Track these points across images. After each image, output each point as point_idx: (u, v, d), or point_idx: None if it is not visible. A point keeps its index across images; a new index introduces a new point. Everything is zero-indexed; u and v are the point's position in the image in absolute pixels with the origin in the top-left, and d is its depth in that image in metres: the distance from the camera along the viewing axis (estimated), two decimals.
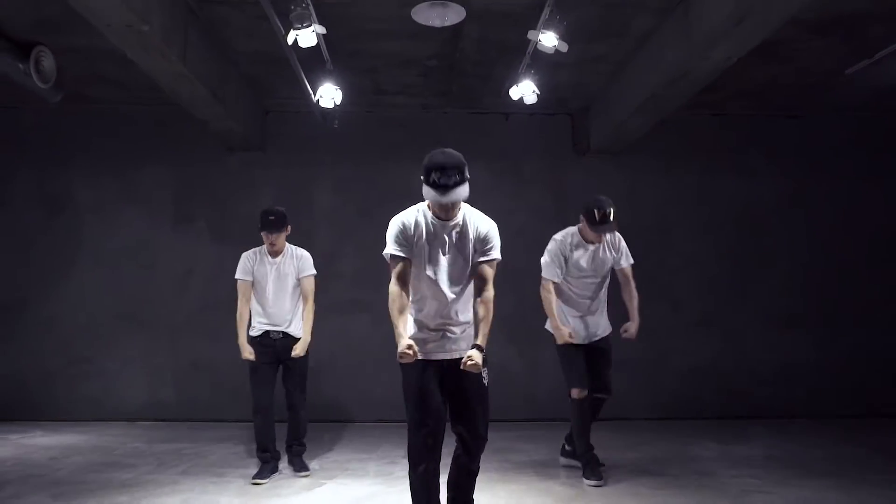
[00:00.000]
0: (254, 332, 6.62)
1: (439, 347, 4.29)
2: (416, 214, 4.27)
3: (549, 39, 6.39)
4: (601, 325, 6.55)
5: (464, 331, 4.32)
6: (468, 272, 4.30)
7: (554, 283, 6.34)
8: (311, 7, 5.97)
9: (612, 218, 6.11)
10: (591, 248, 6.36)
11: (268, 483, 6.19)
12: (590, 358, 6.43)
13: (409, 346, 4.00)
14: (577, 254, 6.35)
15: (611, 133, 9.21)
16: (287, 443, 6.68)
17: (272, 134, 10.06)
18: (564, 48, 6.46)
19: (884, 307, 9.99)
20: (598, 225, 6.12)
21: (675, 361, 9.76)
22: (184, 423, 9.07)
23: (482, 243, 4.26)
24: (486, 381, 4.23)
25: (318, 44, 6.43)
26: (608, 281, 6.56)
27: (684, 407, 9.63)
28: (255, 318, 6.66)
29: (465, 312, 4.33)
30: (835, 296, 10.01)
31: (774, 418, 9.38)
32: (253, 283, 6.62)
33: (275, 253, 6.64)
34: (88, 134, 9.90)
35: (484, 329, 4.15)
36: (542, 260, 6.43)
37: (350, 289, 9.70)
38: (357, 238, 9.70)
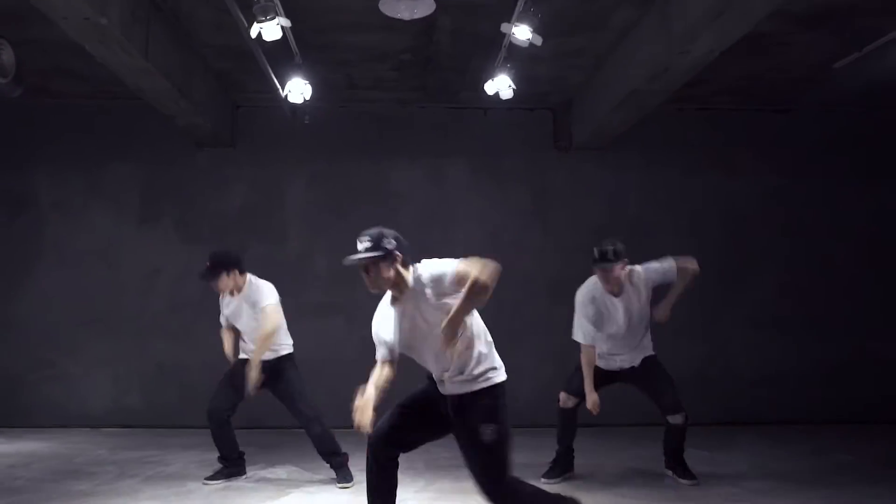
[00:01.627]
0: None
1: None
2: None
3: (522, 32, 6.36)
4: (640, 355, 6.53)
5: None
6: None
7: (590, 345, 6.27)
8: None
9: (610, 256, 6.06)
10: (619, 300, 6.24)
11: (219, 484, 6.36)
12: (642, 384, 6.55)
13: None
14: (609, 306, 6.27)
15: (593, 129, 9.21)
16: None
17: (243, 129, 10.01)
18: (538, 41, 6.44)
19: (874, 310, 10.01)
20: (598, 262, 6.10)
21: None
22: (150, 430, 9.03)
23: (440, 287, 4.06)
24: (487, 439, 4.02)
25: (284, 37, 6.42)
26: (648, 322, 6.45)
27: None
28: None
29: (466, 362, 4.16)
30: (823, 298, 10.01)
31: (761, 424, 9.39)
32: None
33: (230, 292, 6.60)
34: (51, 130, 9.82)
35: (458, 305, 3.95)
36: (575, 318, 6.38)
37: (324, 290, 9.68)
38: (331, 237, 9.58)
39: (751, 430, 9.08)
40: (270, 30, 6.00)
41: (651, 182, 10.11)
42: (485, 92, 7.99)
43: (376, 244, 4.08)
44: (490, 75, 7.81)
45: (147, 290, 9.68)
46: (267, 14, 5.91)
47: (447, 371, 4.12)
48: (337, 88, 9.29)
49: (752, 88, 9.50)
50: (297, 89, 7.54)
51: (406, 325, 4.16)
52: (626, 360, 6.46)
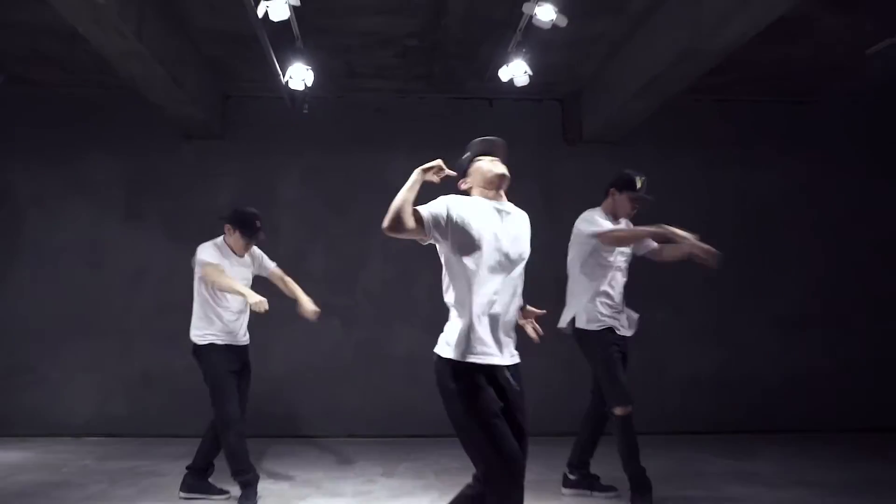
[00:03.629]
0: (219, 341, 6.39)
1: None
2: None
3: (546, 13, 6.33)
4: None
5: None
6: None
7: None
8: None
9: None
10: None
11: None
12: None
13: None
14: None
15: (606, 120, 9.19)
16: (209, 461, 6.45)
17: (233, 120, 9.94)
18: (563, 22, 6.40)
19: None
20: (641, 193, 6.15)
21: (675, 371, 9.70)
22: (136, 439, 8.93)
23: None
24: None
25: (288, 19, 6.36)
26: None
27: (685, 421, 9.57)
28: (214, 328, 6.41)
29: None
30: (851, 297, 9.98)
31: (786, 432, 9.36)
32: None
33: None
34: (29, 120, 9.72)
35: None
36: (583, 227, 6.29)
37: (319, 291, 9.45)
38: (327, 234, 9.69)
39: (771, 438, 9.05)
40: (278, 8, 5.97)
41: (665, 177, 9.95)
42: (492, 81, 7.98)
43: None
44: (500, 62, 7.81)
45: (131, 291, 9.57)
46: None
47: None
48: (336, 77, 9.24)
49: (774, 77, 9.46)
50: (299, 75, 7.49)
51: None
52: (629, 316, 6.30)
